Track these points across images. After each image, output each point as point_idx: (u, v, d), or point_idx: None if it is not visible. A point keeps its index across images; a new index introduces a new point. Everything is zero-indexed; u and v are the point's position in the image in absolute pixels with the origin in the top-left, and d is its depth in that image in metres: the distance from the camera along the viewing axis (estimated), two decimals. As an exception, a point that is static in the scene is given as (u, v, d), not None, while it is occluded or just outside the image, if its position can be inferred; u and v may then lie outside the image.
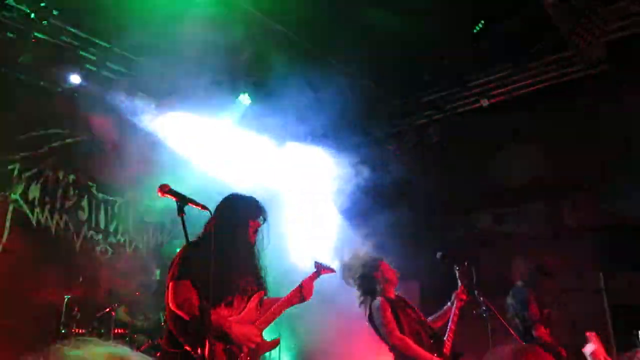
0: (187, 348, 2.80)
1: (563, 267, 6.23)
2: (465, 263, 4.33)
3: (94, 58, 5.97)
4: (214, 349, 2.78)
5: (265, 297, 3.28)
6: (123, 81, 6.11)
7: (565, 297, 6.05)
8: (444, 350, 4.02)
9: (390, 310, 4.02)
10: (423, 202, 6.91)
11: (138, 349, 5.65)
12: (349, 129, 7.41)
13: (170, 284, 2.93)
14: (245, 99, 6.62)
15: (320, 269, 3.53)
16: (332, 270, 3.68)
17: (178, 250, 3.15)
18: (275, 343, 3.23)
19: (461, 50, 6.54)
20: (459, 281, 4.38)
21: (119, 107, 6.11)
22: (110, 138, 6.55)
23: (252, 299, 3.14)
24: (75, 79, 5.90)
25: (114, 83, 6.12)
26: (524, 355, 1.49)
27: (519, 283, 5.20)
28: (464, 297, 4.25)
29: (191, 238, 2.78)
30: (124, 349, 1.08)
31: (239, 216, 3.21)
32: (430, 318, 4.32)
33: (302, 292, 3.33)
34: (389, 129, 7.85)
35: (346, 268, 4.34)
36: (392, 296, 4.25)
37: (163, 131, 6.41)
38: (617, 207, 5.99)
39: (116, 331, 5.79)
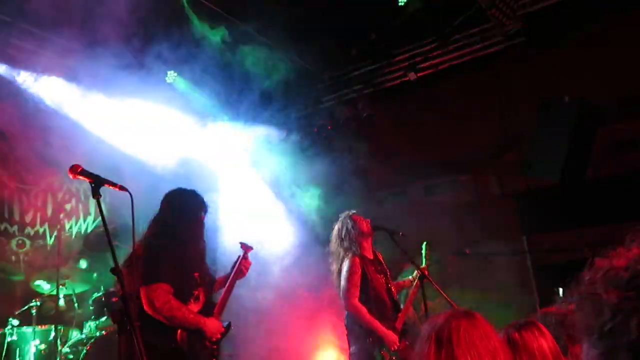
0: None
1: (490, 232, 6.52)
2: (401, 234, 4.39)
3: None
4: (190, 344, 3.09)
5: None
6: (30, 60, 5.60)
7: (492, 261, 6.34)
8: (397, 324, 4.08)
9: (360, 272, 4.02)
10: (356, 176, 6.96)
11: (65, 343, 5.37)
12: (277, 105, 7.29)
13: (145, 288, 3.03)
14: (170, 77, 6.31)
15: (246, 248, 3.77)
16: (252, 248, 3.88)
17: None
18: (228, 328, 3.55)
19: (387, 24, 6.58)
20: (423, 259, 4.44)
21: (26, 87, 5.62)
22: (16, 122, 6.04)
23: (209, 289, 3.50)
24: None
25: (19, 61, 5.60)
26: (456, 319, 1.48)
27: None
28: (427, 273, 4.29)
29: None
30: None
31: (193, 213, 3.45)
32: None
33: (242, 271, 3.64)
34: (319, 105, 7.81)
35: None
36: (369, 255, 4.25)
37: (79, 113, 5.98)
38: (534, 172, 6.30)
39: (40, 327, 5.44)
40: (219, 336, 3.37)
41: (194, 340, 3.16)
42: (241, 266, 3.64)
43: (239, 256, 3.71)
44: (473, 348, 1.39)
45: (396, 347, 3.93)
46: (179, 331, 3.07)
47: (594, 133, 6.13)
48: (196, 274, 3.32)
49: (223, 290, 3.57)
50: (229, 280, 3.60)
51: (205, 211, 3.55)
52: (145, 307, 3.01)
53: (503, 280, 5.69)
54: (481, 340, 1.41)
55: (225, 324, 3.52)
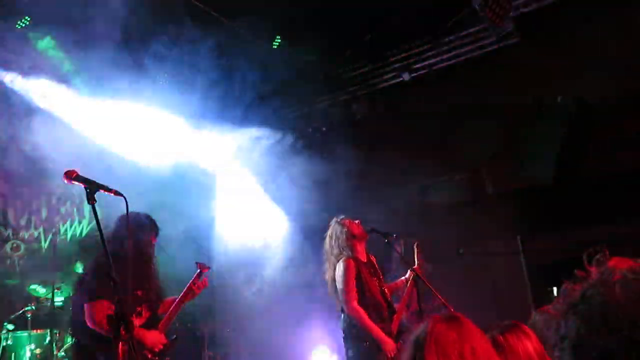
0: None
1: (485, 232, 6.54)
2: (394, 235, 4.39)
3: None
4: (131, 355, 3.15)
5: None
6: (21, 61, 5.57)
7: (487, 261, 6.37)
8: (392, 326, 4.06)
9: (355, 275, 4.03)
10: (351, 176, 6.97)
11: (60, 347, 5.35)
12: (272, 106, 7.29)
13: (88, 304, 3.33)
14: (159, 76, 6.28)
15: (202, 267, 3.95)
16: (209, 268, 4.05)
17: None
18: (174, 343, 3.80)
19: (381, 25, 6.59)
20: (415, 258, 4.42)
21: (19, 90, 5.59)
22: (8, 124, 6.01)
23: (154, 305, 3.76)
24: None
25: (11, 63, 5.56)
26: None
27: None
28: (420, 273, 4.27)
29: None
30: None
31: (142, 235, 3.68)
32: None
33: (193, 291, 3.86)
34: (313, 106, 7.82)
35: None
36: (363, 258, 4.24)
37: (71, 115, 5.94)
38: (527, 172, 6.33)
39: (35, 331, 5.41)
40: (160, 346, 3.64)
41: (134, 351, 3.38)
42: (193, 286, 3.83)
43: (194, 275, 3.87)
44: (441, 350, 1.40)
45: (394, 354, 3.90)
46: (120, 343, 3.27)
47: (588, 133, 6.17)
48: (139, 292, 3.60)
49: (172, 307, 3.80)
50: (178, 299, 3.80)
51: (156, 234, 3.80)
52: (87, 322, 3.32)
53: (497, 280, 5.71)
54: (453, 343, 1.42)
55: (172, 337, 3.78)
